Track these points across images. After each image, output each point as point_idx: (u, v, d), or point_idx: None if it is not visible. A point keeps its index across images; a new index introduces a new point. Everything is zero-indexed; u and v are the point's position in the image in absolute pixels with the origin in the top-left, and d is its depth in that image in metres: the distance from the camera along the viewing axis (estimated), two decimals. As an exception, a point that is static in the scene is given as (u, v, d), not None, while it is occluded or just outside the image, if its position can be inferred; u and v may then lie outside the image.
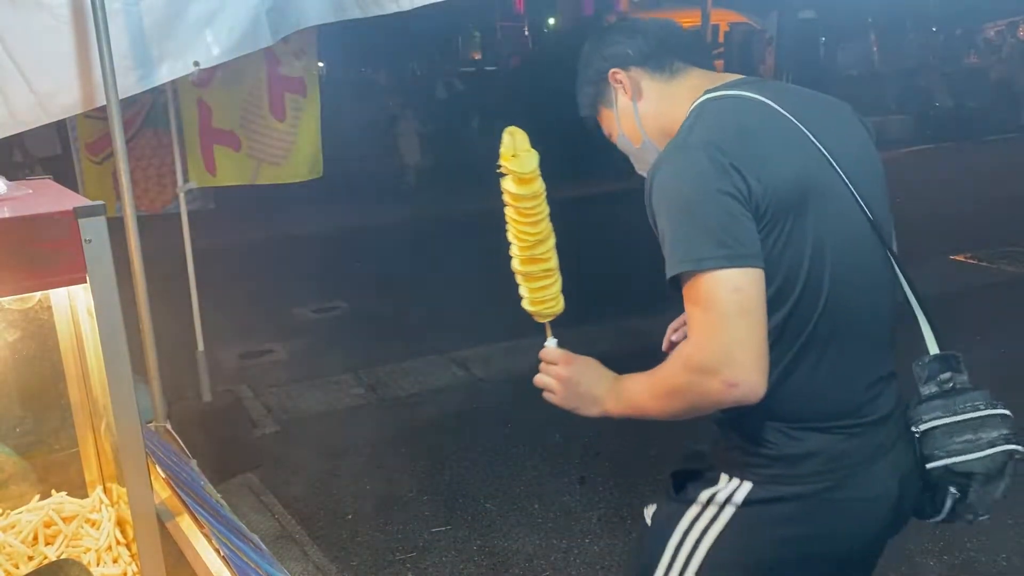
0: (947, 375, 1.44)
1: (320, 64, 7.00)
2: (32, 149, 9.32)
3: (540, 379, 1.56)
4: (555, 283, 1.55)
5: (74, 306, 1.51)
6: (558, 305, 1.57)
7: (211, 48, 2.50)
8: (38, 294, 1.49)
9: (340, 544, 3.31)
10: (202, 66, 2.51)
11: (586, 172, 8.68)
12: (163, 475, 1.62)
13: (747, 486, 1.43)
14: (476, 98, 14.52)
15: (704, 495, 1.48)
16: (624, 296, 5.52)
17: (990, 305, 5.77)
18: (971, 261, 6.81)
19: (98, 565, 1.48)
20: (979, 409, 1.39)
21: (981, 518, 1.46)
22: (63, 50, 2.32)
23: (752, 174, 1.29)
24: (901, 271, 1.46)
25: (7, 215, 1.20)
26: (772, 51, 16.52)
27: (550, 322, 1.58)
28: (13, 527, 1.55)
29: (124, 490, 1.36)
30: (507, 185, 1.48)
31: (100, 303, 1.21)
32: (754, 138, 1.35)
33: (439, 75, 16.68)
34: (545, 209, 1.50)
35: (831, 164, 1.38)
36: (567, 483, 3.64)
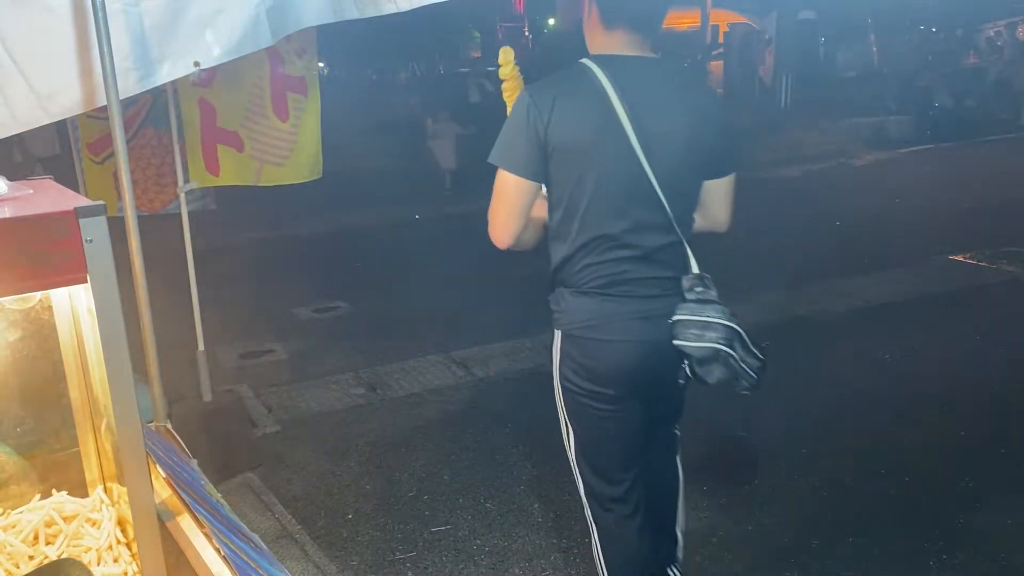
0: (700, 288, 1.99)
1: (320, 64, 7.00)
2: (32, 149, 9.34)
3: None
4: None
5: (75, 306, 1.51)
6: None
7: (212, 48, 2.48)
8: (39, 294, 1.49)
9: (340, 544, 3.31)
10: (203, 66, 2.49)
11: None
12: (163, 475, 1.62)
13: (559, 334, 2.10)
14: (476, 97, 14.52)
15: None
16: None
17: (990, 305, 5.78)
18: (971, 261, 6.82)
19: (99, 564, 1.48)
20: (710, 317, 1.94)
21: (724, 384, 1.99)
22: (63, 50, 2.31)
23: (547, 122, 1.90)
24: (673, 214, 1.96)
25: (8, 215, 1.20)
26: (771, 51, 16.55)
27: None
28: (14, 527, 1.55)
29: (124, 490, 1.36)
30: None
31: (101, 303, 1.21)
32: (563, 100, 1.91)
33: (437, 75, 16.68)
34: (516, 93, 2.15)
35: (623, 127, 1.89)
36: (567, 483, 3.63)
